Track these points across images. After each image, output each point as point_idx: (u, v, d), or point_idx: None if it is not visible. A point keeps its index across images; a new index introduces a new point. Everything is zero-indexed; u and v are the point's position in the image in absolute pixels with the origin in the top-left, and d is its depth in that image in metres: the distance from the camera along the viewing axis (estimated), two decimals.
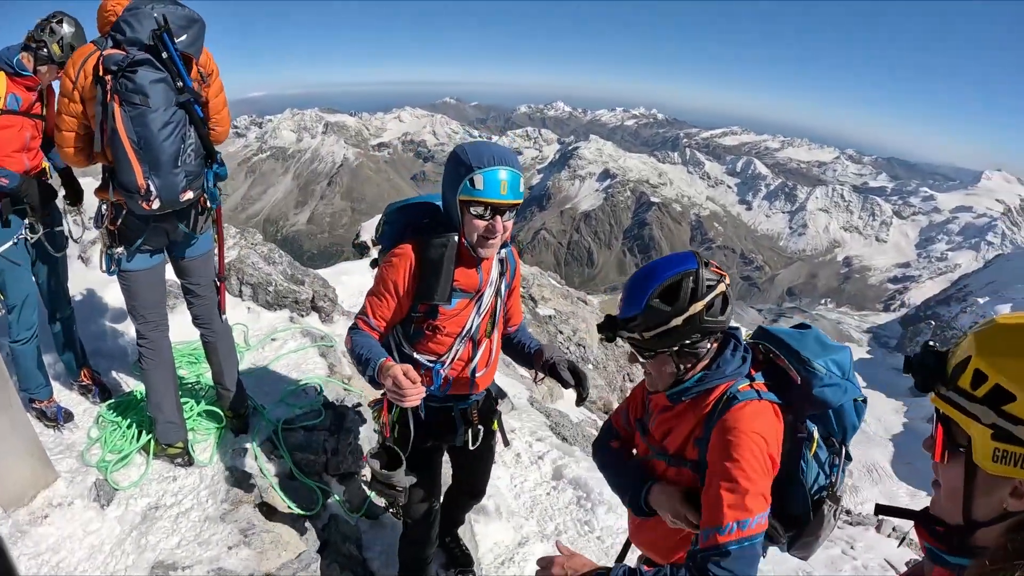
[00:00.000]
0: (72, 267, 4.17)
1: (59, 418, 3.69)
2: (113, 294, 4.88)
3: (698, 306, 1.72)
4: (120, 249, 3.11)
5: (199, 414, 3.85)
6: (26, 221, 3.51)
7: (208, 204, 3.24)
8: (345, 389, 4.61)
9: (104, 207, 3.10)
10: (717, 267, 1.79)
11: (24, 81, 3.43)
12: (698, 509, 1.75)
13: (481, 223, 2.29)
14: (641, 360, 1.90)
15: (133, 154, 2.77)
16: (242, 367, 4.26)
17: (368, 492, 2.61)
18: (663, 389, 1.90)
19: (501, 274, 2.61)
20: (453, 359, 2.58)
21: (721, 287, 1.76)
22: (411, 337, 2.56)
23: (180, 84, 2.84)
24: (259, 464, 3.63)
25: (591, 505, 4.46)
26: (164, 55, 2.77)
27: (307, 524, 3.42)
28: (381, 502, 2.58)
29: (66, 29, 3.43)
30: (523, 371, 6.92)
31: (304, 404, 4.21)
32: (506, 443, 3.04)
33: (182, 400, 3.64)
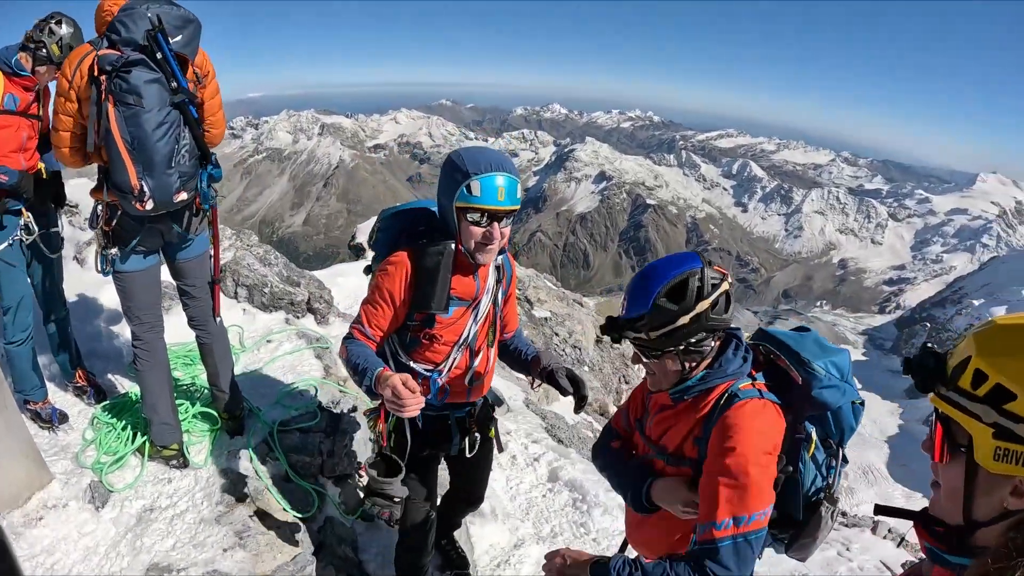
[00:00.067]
0: (67, 268, 4.16)
1: (54, 420, 3.67)
2: (108, 295, 4.86)
3: (704, 304, 1.73)
4: (115, 250, 3.10)
5: (194, 416, 3.84)
6: (22, 222, 3.49)
7: (202, 205, 3.23)
8: (341, 391, 4.59)
9: (99, 208, 3.08)
10: (718, 267, 1.81)
11: (22, 81, 3.42)
12: None
13: (478, 230, 2.27)
14: (645, 360, 1.90)
15: (127, 154, 2.76)
16: (238, 369, 4.25)
17: (366, 505, 2.58)
18: (667, 388, 1.91)
19: (498, 281, 2.59)
20: (450, 368, 2.56)
21: (725, 285, 1.78)
22: (407, 346, 2.54)
23: (174, 84, 2.83)
24: (254, 466, 3.62)
25: (587, 507, 4.46)
26: (158, 55, 2.77)
27: (303, 526, 3.41)
28: (376, 512, 2.55)
29: (64, 30, 3.43)
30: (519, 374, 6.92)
31: (300, 406, 4.20)
32: (500, 449, 3.03)
33: (177, 402, 3.63)
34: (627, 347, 9.01)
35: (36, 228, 3.54)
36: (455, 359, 2.55)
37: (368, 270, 2.78)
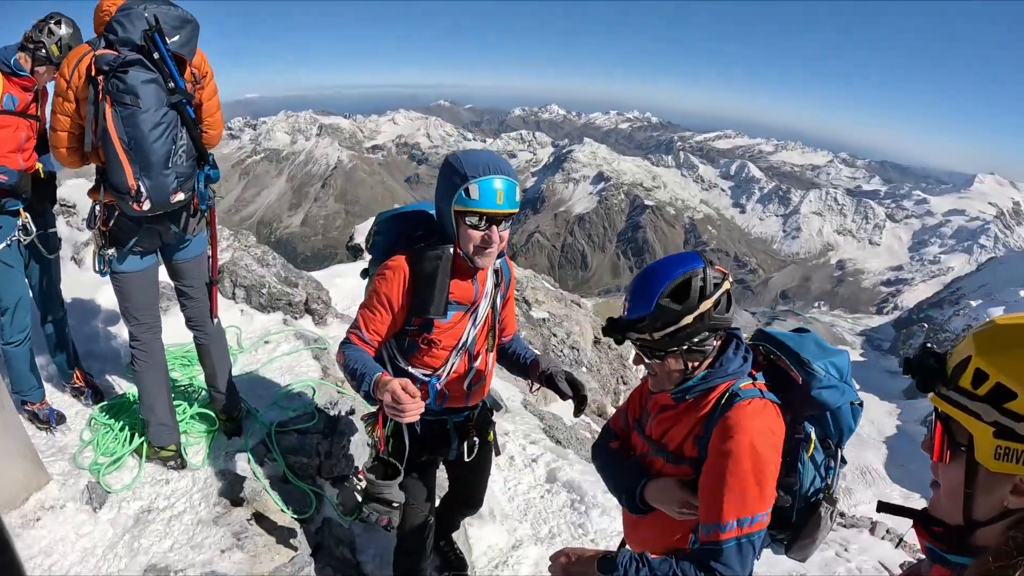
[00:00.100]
0: (65, 269, 4.15)
1: (51, 420, 3.67)
2: (106, 296, 4.85)
3: (707, 303, 1.73)
4: (112, 251, 3.09)
5: (192, 417, 3.83)
6: (19, 222, 3.49)
7: (199, 206, 3.23)
8: (339, 392, 4.59)
9: (97, 208, 3.08)
10: (719, 267, 1.81)
11: (21, 81, 3.42)
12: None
13: (477, 234, 2.25)
14: (647, 361, 1.90)
15: (123, 154, 2.75)
16: (235, 370, 4.24)
17: (364, 512, 2.56)
18: (670, 388, 1.90)
19: (496, 285, 2.57)
20: (449, 372, 2.54)
21: (726, 284, 1.78)
22: (405, 351, 2.52)
23: (172, 85, 2.82)
24: (252, 467, 3.61)
25: (585, 508, 4.45)
26: (155, 55, 2.76)
27: (300, 527, 3.40)
28: (375, 519, 2.53)
29: (63, 30, 3.43)
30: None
31: (297, 407, 4.20)
32: (497, 452, 3.02)
33: (175, 403, 3.63)
34: (625, 348, 9.00)
35: (34, 228, 3.54)
36: (454, 364, 2.53)
37: (365, 274, 2.76)
